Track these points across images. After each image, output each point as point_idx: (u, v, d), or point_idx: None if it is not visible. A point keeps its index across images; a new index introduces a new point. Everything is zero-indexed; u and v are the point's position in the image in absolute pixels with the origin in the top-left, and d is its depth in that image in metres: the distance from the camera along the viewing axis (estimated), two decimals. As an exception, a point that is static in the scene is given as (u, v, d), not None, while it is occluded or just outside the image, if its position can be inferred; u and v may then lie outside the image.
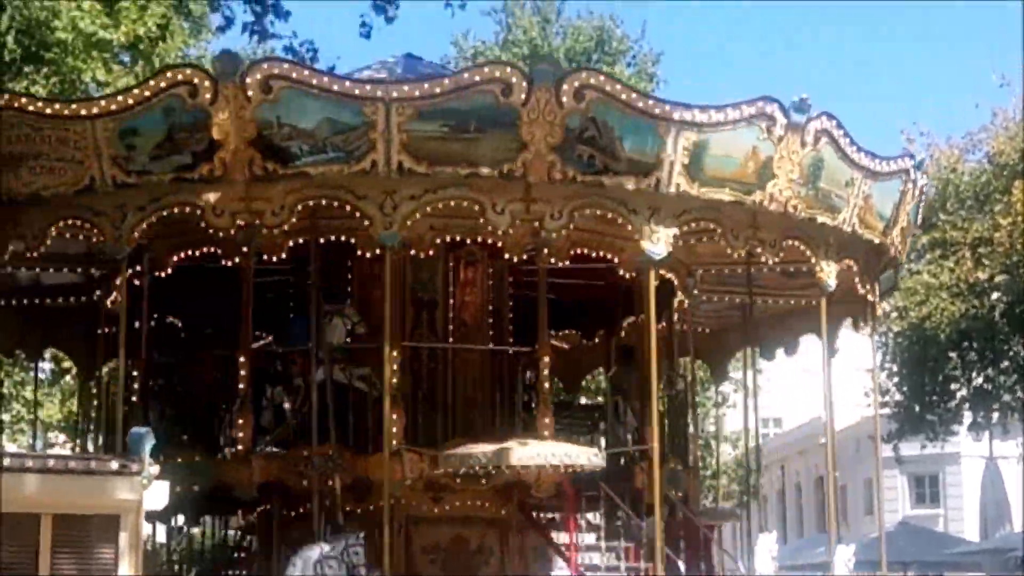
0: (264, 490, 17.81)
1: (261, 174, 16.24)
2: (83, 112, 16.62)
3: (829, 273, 18.22)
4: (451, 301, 19.63)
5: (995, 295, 33.76)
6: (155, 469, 14.36)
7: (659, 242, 16.71)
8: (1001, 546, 37.26)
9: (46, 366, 28.65)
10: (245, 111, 15.95)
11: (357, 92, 16.17)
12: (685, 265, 20.32)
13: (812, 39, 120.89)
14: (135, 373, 18.79)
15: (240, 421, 17.66)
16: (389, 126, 15.88)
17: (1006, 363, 35.23)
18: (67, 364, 25.57)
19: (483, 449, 17.02)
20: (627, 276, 19.43)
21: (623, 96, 16.33)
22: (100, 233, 16.96)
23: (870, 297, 19.80)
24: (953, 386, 36.56)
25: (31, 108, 16.75)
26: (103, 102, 16.76)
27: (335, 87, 16.11)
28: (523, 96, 15.87)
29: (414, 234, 17.24)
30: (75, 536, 14.01)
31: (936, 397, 36.51)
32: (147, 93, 16.30)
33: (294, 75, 16.12)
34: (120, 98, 16.59)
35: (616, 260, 18.77)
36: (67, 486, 14.02)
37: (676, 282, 20.68)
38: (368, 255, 17.93)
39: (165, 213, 16.72)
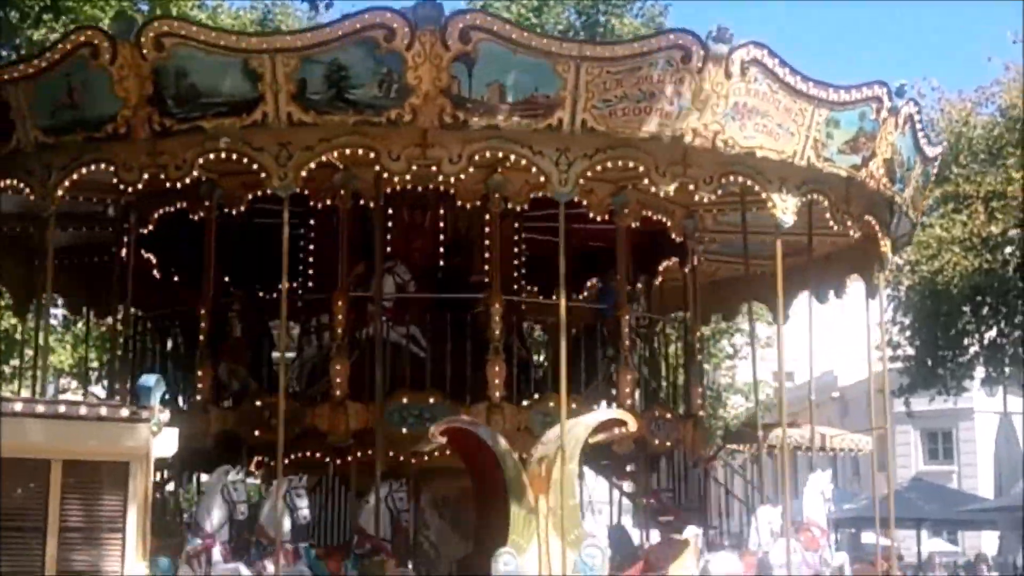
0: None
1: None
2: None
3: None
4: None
5: (1008, 249, 33.63)
6: (165, 416, 14.43)
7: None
8: (1015, 502, 37.21)
9: (58, 312, 28.75)
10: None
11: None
12: (683, 207, 20.01)
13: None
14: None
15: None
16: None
17: (1019, 318, 35.11)
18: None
19: None
20: (657, 220, 19.61)
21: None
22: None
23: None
24: (966, 341, 36.48)
25: None
26: None
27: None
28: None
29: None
30: (84, 482, 14.02)
31: (948, 351, 36.47)
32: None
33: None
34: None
35: (585, 203, 18.37)
36: (77, 432, 14.09)
37: (669, 224, 20.29)
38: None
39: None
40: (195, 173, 16.74)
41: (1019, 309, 34.99)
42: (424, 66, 15.79)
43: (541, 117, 16.15)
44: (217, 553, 16.16)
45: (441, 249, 20.53)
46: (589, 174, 16.71)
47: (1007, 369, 36.90)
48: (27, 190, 17.39)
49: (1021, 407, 47.14)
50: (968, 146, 35.02)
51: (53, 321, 22.74)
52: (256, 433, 17.78)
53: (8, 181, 17.58)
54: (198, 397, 18.24)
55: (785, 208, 17.69)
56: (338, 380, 17.58)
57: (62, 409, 14.36)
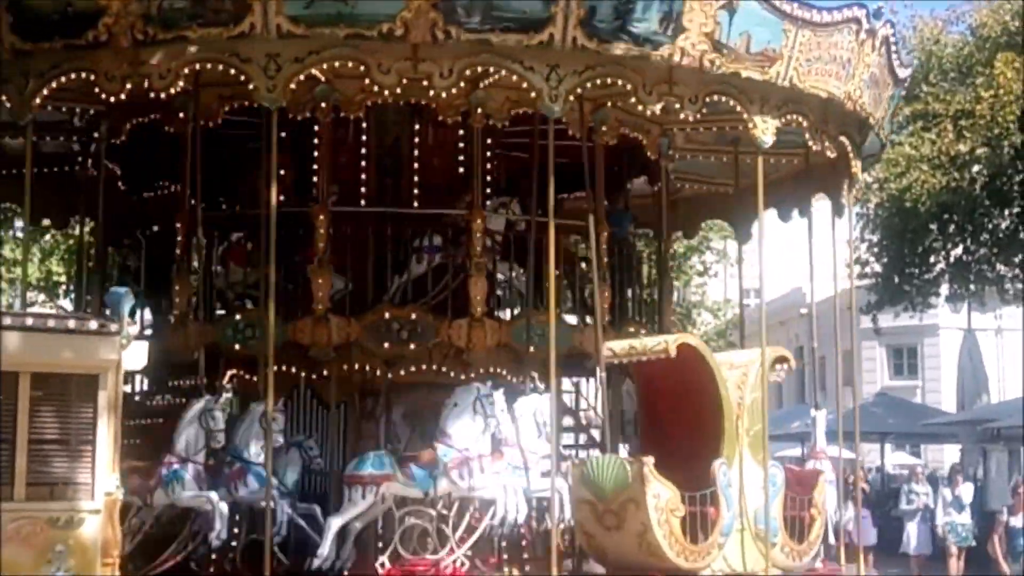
0: None
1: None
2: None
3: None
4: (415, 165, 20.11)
5: (976, 168, 33.68)
6: (134, 329, 14.48)
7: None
8: (978, 417, 37.56)
9: (18, 223, 28.71)
10: None
11: None
12: (658, 125, 20.26)
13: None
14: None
15: None
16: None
17: (985, 236, 35.32)
18: (46, 222, 25.59)
19: None
20: (631, 137, 20.19)
21: None
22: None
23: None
24: (932, 258, 36.73)
25: None
26: None
27: None
28: None
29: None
30: (54, 395, 14.16)
31: (915, 269, 36.72)
32: None
33: None
34: None
35: (565, 120, 18.31)
36: (46, 344, 14.15)
37: (644, 142, 20.58)
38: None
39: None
40: (462, 85, 16.67)
41: (985, 227, 35.20)
42: (696, 10, 16.35)
43: (767, 68, 17.11)
44: (476, 466, 16.95)
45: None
46: (778, 124, 17.68)
47: (972, 286, 37.17)
48: (242, 77, 16.33)
49: (985, 324, 47.53)
50: (938, 65, 35.06)
51: (19, 234, 22.60)
52: (386, 346, 18.07)
53: (213, 65, 16.49)
54: (318, 306, 17.84)
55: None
56: (477, 298, 17.85)
57: (30, 322, 14.43)
